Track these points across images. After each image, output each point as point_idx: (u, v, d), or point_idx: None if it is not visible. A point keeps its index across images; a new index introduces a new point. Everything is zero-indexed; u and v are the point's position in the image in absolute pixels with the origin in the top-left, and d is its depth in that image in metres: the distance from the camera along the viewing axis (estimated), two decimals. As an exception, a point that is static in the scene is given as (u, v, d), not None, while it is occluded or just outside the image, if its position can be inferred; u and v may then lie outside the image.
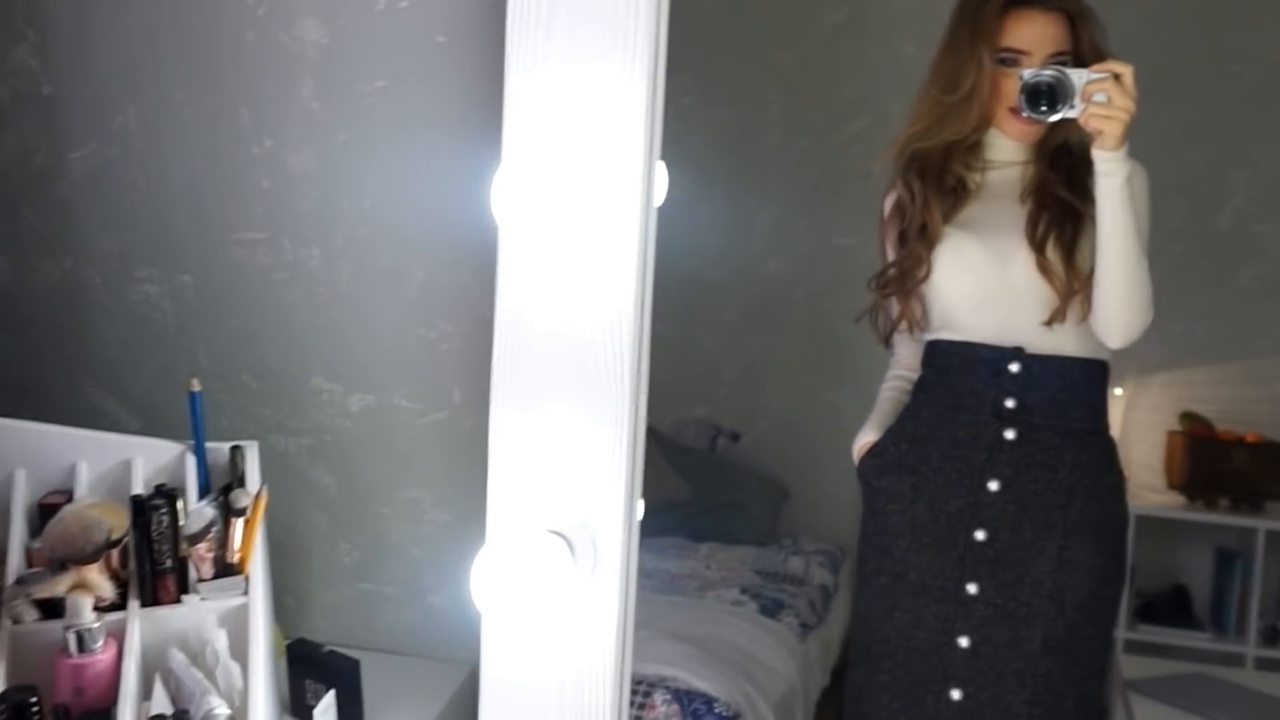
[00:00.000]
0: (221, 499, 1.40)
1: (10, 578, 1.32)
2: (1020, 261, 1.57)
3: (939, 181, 1.64)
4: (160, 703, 1.21)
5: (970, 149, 1.65)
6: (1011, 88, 1.54)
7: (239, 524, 1.36)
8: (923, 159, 1.65)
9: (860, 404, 1.84)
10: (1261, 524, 3.02)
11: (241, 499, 1.37)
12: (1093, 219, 1.51)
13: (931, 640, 1.62)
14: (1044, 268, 1.55)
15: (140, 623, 1.29)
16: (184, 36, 1.69)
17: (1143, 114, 1.42)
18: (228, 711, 1.20)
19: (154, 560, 1.32)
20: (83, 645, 1.22)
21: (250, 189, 1.70)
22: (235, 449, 1.52)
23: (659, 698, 2.21)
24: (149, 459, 1.51)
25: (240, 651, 1.30)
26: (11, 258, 1.84)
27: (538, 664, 0.77)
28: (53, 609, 1.27)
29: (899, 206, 1.68)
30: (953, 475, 1.61)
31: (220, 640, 1.30)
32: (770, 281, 3.50)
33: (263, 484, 1.47)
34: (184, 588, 1.34)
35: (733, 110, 3.49)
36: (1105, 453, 1.62)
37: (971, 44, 1.57)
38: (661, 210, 0.78)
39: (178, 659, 1.27)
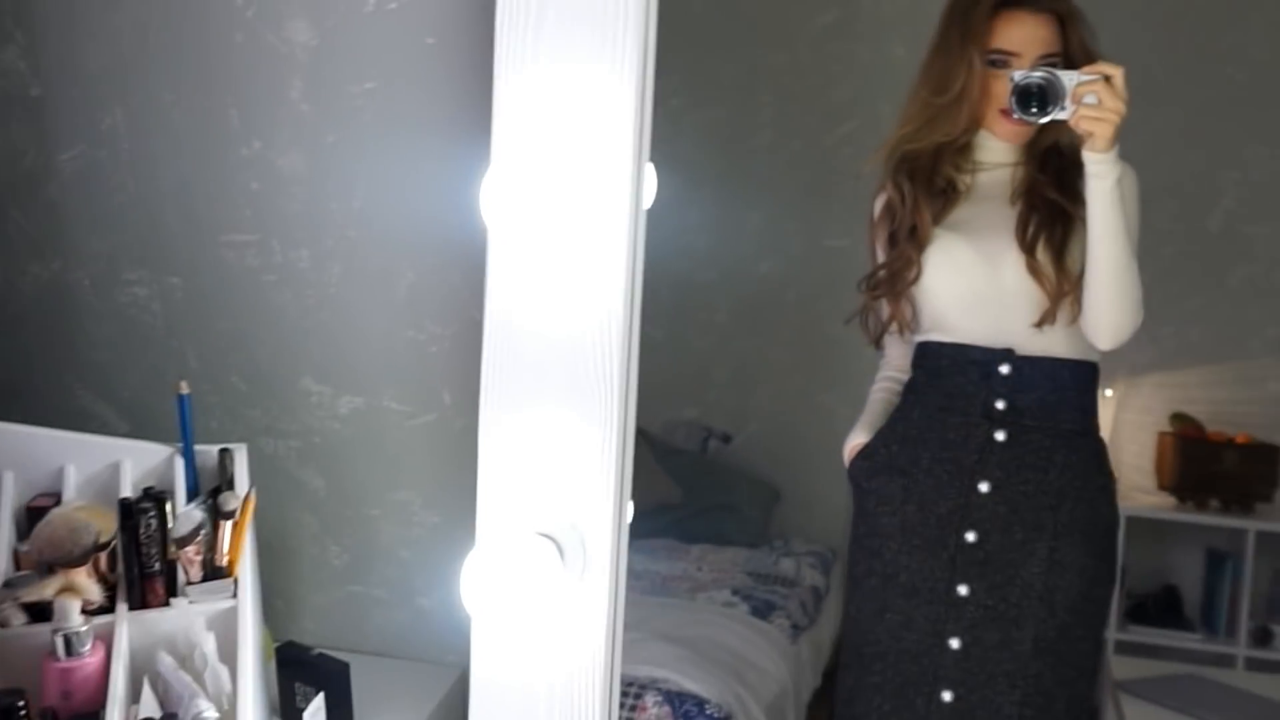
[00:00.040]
0: (210, 501, 1.39)
1: (-2, 581, 1.31)
2: (1010, 263, 1.58)
3: (929, 183, 1.64)
4: (149, 706, 1.20)
5: (960, 150, 1.65)
6: (1002, 89, 1.55)
7: (228, 526, 1.36)
8: (913, 160, 1.65)
9: (851, 405, 1.84)
10: (1252, 525, 3.02)
11: (230, 501, 1.36)
12: (1083, 221, 1.51)
13: (922, 642, 1.62)
14: (1034, 269, 1.56)
15: (128, 626, 1.28)
16: (173, 38, 1.69)
17: (1133, 116, 1.43)
18: (216, 715, 1.19)
19: (142, 563, 1.31)
20: (71, 649, 1.21)
21: (239, 190, 1.70)
22: (224, 451, 1.52)
23: (650, 699, 2.21)
24: (137, 461, 1.50)
25: (229, 654, 1.29)
26: (-1, 259, 1.84)
27: (527, 666, 0.77)
28: (40, 612, 1.26)
29: (889, 208, 1.68)
30: (943, 477, 1.61)
31: (209, 643, 1.29)
32: (761, 283, 3.50)
33: (251, 486, 1.46)
34: (172, 591, 1.34)
35: (722, 112, 3.49)
36: (1095, 454, 1.63)
37: (961, 46, 1.57)
38: (651, 212, 0.78)
39: (166, 662, 1.26)
